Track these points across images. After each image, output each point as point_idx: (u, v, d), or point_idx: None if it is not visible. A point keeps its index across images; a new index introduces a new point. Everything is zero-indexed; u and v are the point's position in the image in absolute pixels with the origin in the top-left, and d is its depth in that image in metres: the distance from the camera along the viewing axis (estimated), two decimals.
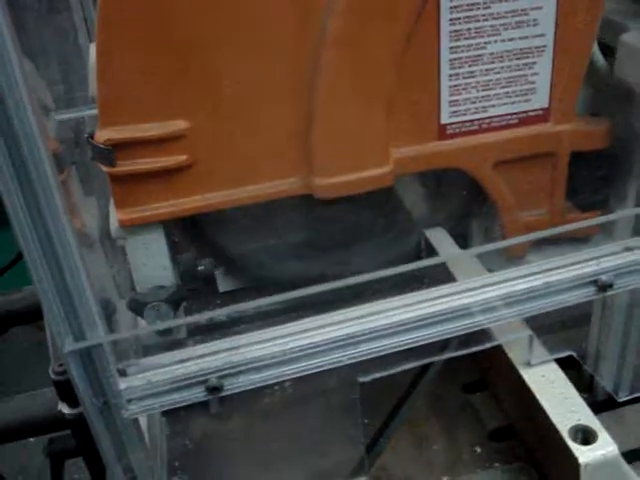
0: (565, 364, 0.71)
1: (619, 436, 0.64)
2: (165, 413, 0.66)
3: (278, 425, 0.70)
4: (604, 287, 0.63)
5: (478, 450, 0.71)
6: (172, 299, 0.77)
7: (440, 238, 0.85)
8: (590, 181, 0.87)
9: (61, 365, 0.70)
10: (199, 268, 0.91)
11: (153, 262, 0.77)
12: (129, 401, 0.57)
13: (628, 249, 0.64)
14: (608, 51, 0.82)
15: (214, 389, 0.58)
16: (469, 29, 0.72)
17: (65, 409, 0.71)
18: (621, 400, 0.73)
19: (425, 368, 0.73)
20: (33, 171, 0.46)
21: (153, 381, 0.57)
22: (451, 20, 0.71)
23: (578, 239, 0.86)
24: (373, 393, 0.65)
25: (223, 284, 0.91)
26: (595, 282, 0.63)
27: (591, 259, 0.63)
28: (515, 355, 0.68)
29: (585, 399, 0.66)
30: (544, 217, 0.85)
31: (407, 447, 0.72)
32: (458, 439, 0.72)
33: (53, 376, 0.70)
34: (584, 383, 0.76)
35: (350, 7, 0.66)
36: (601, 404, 0.74)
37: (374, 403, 0.68)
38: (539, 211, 0.85)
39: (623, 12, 0.80)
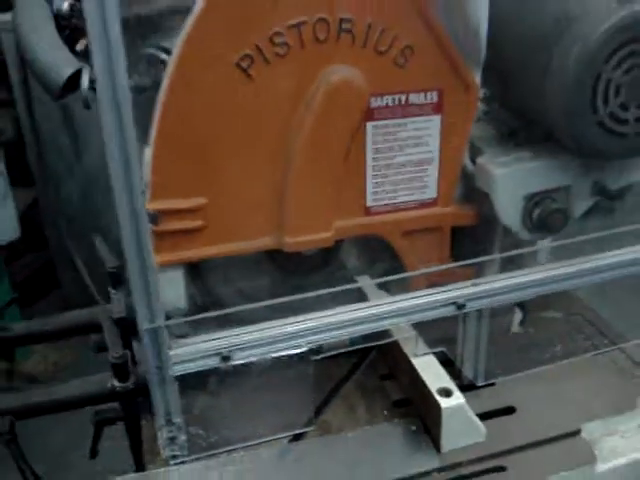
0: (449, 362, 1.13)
1: (475, 405, 1.04)
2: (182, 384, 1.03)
3: (257, 389, 1.08)
4: (461, 307, 1.04)
5: (386, 413, 1.10)
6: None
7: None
8: (467, 247, 1.30)
9: (117, 353, 1.08)
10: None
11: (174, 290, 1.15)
12: (174, 364, 0.95)
13: (474, 284, 1.06)
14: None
15: (226, 357, 0.96)
16: (385, 147, 1.14)
17: (117, 384, 1.08)
18: (479, 384, 1.13)
19: (359, 361, 1.14)
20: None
21: (188, 352, 0.96)
22: (373, 141, 1.13)
23: None
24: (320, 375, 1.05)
25: None
26: (455, 303, 1.04)
27: (453, 289, 1.05)
28: (408, 349, 1.08)
29: (456, 383, 1.06)
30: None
31: (341, 411, 1.11)
32: (374, 407, 1.11)
33: (112, 360, 1.07)
34: (456, 373, 1.16)
35: (309, 144, 1.07)
36: (467, 387, 1.14)
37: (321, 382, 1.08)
38: (433, 266, 1.26)
39: (483, 139, 1.23)
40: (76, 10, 1.32)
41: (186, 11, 1.01)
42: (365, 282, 1.19)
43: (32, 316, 1.55)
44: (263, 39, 1.02)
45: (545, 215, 1.16)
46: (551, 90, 1.06)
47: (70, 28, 1.33)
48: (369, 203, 1.18)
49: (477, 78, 1.13)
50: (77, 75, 1.14)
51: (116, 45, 0.78)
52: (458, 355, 1.14)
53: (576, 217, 1.18)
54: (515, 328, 1.27)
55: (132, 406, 1.10)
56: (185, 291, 1.16)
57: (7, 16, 1.71)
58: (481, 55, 1.11)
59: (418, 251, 1.23)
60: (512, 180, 1.14)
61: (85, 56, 1.21)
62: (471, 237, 1.27)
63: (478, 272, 1.27)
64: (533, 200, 1.16)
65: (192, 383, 1.05)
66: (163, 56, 1.11)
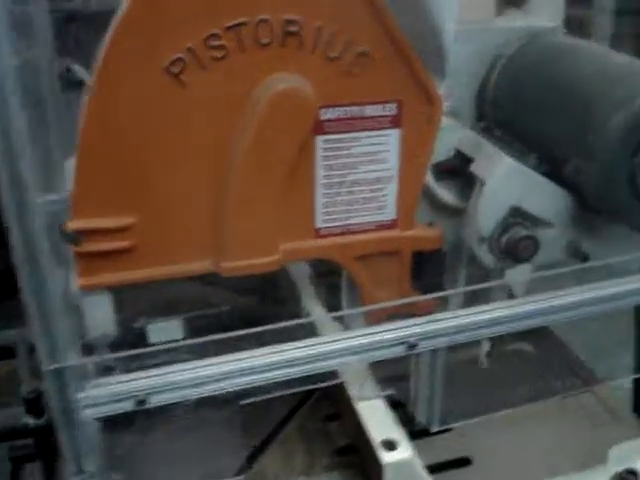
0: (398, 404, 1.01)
1: (429, 455, 0.94)
2: (104, 422, 0.93)
3: (188, 429, 0.97)
4: (412, 347, 0.93)
5: (328, 461, 0.99)
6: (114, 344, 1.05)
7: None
8: (430, 274, 1.19)
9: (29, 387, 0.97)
10: (135, 324, 1.19)
11: (101, 316, 1.04)
12: (84, 407, 0.84)
13: (430, 320, 0.95)
14: None
15: (141, 402, 0.85)
16: (336, 164, 1.03)
17: (31, 420, 0.97)
18: (433, 431, 1.02)
19: (301, 401, 1.02)
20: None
21: (100, 394, 0.85)
22: (323, 157, 1.02)
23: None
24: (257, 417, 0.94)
25: (152, 337, 1.19)
26: (405, 343, 0.93)
27: (404, 327, 0.94)
28: (353, 391, 0.97)
29: (407, 430, 0.95)
30: (395, 297, 1.15)
31: (277, 458, 1.00)
32: (315, 453, 1.00)
33: (25, 395, 0.96)
34: (408, 418, 1.05)
35: (250, 159, 0.96)
36: (419, 433, 1.03)
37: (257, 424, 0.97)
38: (392, 294, 1.15)
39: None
40: None
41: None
42: (315, 311, 1.08)
43: None
44: (197, 41, 0.91)
45: (517, 238, 1.05)
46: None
47: None
48: (319, 224, 1.06)
49: (441, 89, 1.02)
50: None
51: None
52: (411, 396, 1.03)
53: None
54: (481, 362, 1.16)
55: (46, 444, 0.99)
56: (114, 315, 1.05)
57: None
58: (445, 64, 1.01)
59: (375, 277, 1.12)
60: (514, 176, 1.04)
61: None
62: (434, 262, 1.16)
63: (441, 301, 1.17)
64: (511, 218, 1.05)
65: (117, 419, 0.94)
66: None
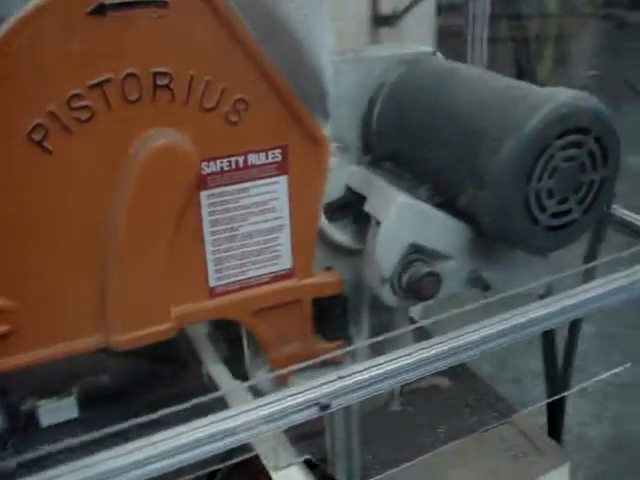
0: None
1: None
2: None
3: None
4: (325, 407, 0.88)
5: None
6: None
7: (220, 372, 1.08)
8: (333, 318, 1.14)
9: None
10: (22, 407, 1.08)
11: None
12: None
13: (340, 377, 0.89)
14: None
15: None
16: (224, 218, 0.97)
17: None
18: None
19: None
20: None
21: None
22: (210, 212, 0.96)
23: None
24: None
25: (44, 419, 1.09)
26: (317, 404, 0.88)
27: (316, 387, 0.88)
28: (268, 461, 0.90)
29: None
30: (299, 349, 1.10)
31: None
32: None
33: None
34: (327, 476, 0.99)
35: (130, 224, 0.89)
36: None
37: None
38: (295, 345, 1.10)
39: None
40: None
41: None
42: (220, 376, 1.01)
43: None
44: (58, 104, 0.83)
45: (419, 276, 1.01)
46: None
47: None
48: (213, 283, 1.00)
49: (326, 130, 0.98)
50: None
51: None
52: (328, 455, 0.98)
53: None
54: (394, 405, 1.12)
55: None
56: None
57: None
58: (327, 104, 0.96)
59: (276, 330, 1.06)
60: (409, 213, 1.00)
61: None
62: (334, 305, 1.12)
63: (346, 346, 1.13)
64: (411, 255, 1.02)
65: None
66: None
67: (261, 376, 1.06)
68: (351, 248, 1.10)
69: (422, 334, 1.05)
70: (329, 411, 0.88)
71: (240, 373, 1.13)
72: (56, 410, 1.09)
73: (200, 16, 0.86)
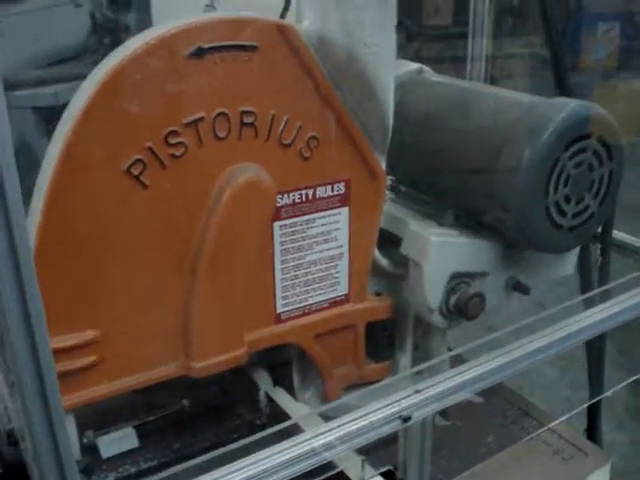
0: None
1: None
2: None
3: None
4: (406, 420, 0.94)
5: None
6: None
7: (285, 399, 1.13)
8: (380, 341, 1.21)
9: None
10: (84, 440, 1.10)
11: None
12: None
13: (417, 391, 0.96)
14: None
15: None
16: (293, 247, 1.03)
17: None
18: None
19: None
20: None
21: None
22: (281, 242, 1.01)
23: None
24: None
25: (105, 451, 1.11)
26: (400, 417, 0.94)
27: (395, 402, 0.94)
28: (353, 475, 0.96)
29: None
30: (351, 369, 1.16)
31: None
32: None
33: None
34: None
35: (214, 254, 0.94)
36: None
37: None
38: (348, 365, 1.15)
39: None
40: None
41: None
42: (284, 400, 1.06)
43: None
44: (157, 140, 0.88)
45: (465, 299, 1.09)
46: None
47: None
48: (279, 309, 1.05)
49: (383, 165, 1.05)
50: None
51: None
52: (400, 464, 1.03)
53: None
54: (440, 421, 1.18)
55: None
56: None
57: None
58: (387, 142, 1.04)
59: (332, 353, 1.12)
60: (445, 250, 1.08)
61: None
62: (381, 330, 1.19)
63: (393, 368, 1.19)
64: (453, 282, 1.09)
65: None
66: None
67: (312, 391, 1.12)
68: (393, 273, 1.16)
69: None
70: (410, 423, 0.94)
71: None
72: (117, 441, 1.11)
73: (284, 60, 0.93)
